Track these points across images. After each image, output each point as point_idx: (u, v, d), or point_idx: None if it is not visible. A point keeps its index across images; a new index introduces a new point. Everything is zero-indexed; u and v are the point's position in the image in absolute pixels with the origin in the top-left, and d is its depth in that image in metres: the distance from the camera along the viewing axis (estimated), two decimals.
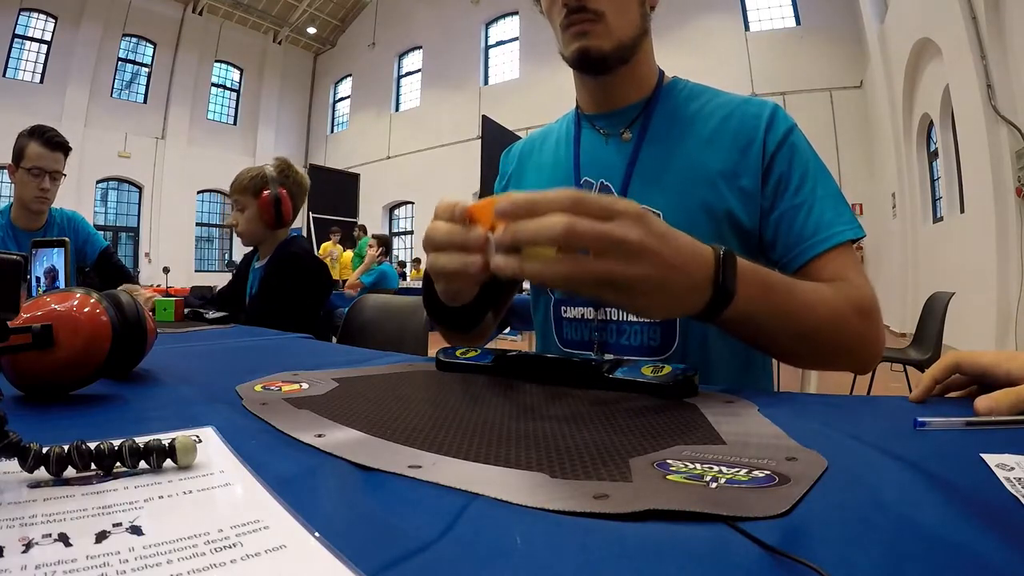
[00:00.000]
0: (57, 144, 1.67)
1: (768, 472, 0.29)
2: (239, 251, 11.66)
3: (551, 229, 0.41)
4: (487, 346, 0.71)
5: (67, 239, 1.30)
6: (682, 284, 0.47)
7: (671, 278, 0.45)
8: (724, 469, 0.29)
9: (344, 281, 5.30)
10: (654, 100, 0.78)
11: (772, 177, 0.71)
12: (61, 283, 1.31)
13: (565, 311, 0.80)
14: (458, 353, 0.63)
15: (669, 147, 0.75)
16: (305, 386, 0.52)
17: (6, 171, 1.60)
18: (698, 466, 0.30)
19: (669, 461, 0.31)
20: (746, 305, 0.51)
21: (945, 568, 0.20)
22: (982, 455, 0.30)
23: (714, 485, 0.27)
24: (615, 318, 0.76)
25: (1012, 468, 0.28)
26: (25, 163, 1.63)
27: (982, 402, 0.40)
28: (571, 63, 0.75)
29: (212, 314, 1.32)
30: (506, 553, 0.22)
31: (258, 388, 0.51)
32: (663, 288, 0.45)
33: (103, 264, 1.86)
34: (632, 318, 0.75)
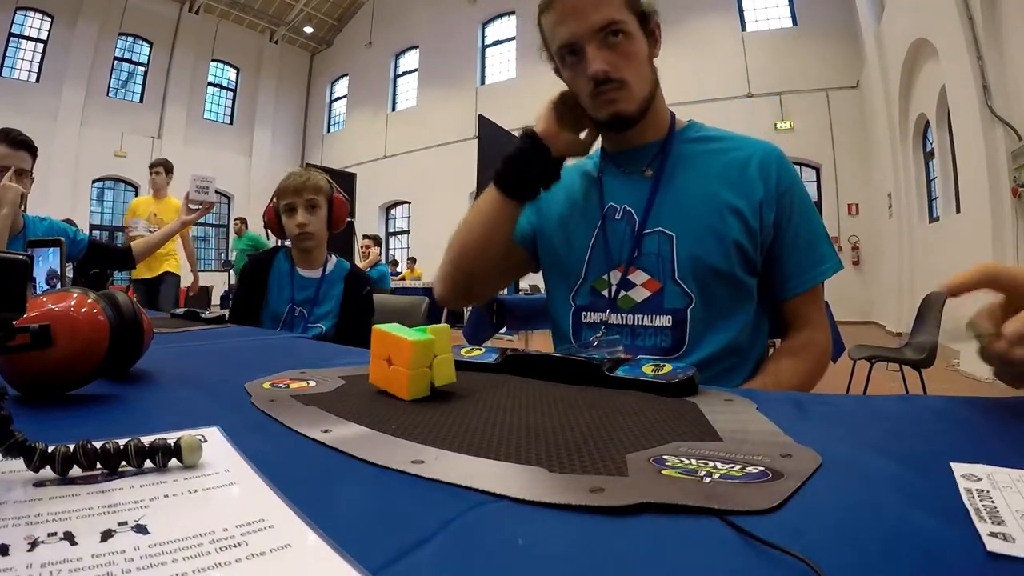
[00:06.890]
0: (20, 143, 1.69)
1: (762, 468, 0.29)
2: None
3: None
4: (489, 344, 0.73)
5: (62, 239, 1.30)
6: None
7: None
8: (719, 464, 0.30)
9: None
10: (670, 140, 0.87)
11: (774, 219, 0.82)
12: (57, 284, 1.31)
13: (585, 316, 0.86)
14: (462, 352, 0.64)
15: (685, 181, 0.84)
16: (312, 384, 0.53)
17: None
18: (693, 461, 0.30)
19: (665, 456, 0.31)
20: None
21: (935, 565, 0.20)
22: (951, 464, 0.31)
23: (708, 480, 0.28)
24: (629, 323, 0.82)
25: (979, 479, 0.27)
26: None
27: (1012, 325, 0.36)
28: (604, 126, 0.86)
29: (208, 314, 1.31)
30: (507, 547, 0.22)
31: (266, 386, 0.52)
32: None
33: (97, 251, 1.86)
34: (646, 322, 0.80)
